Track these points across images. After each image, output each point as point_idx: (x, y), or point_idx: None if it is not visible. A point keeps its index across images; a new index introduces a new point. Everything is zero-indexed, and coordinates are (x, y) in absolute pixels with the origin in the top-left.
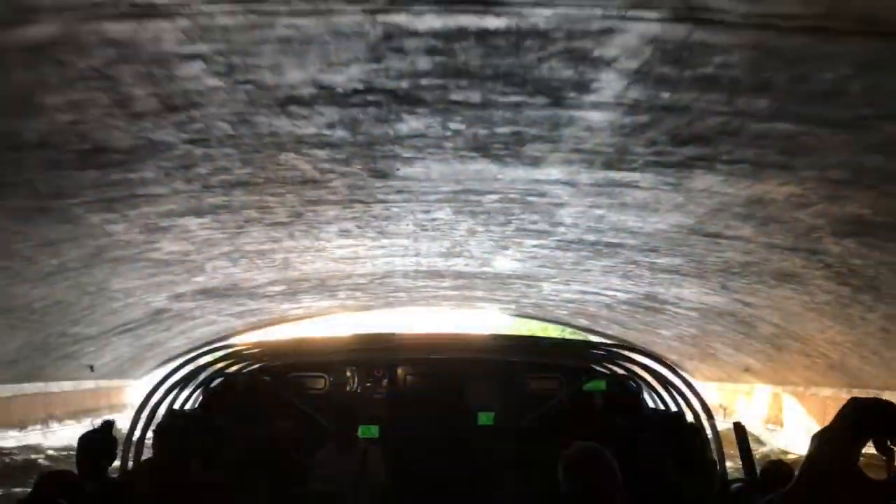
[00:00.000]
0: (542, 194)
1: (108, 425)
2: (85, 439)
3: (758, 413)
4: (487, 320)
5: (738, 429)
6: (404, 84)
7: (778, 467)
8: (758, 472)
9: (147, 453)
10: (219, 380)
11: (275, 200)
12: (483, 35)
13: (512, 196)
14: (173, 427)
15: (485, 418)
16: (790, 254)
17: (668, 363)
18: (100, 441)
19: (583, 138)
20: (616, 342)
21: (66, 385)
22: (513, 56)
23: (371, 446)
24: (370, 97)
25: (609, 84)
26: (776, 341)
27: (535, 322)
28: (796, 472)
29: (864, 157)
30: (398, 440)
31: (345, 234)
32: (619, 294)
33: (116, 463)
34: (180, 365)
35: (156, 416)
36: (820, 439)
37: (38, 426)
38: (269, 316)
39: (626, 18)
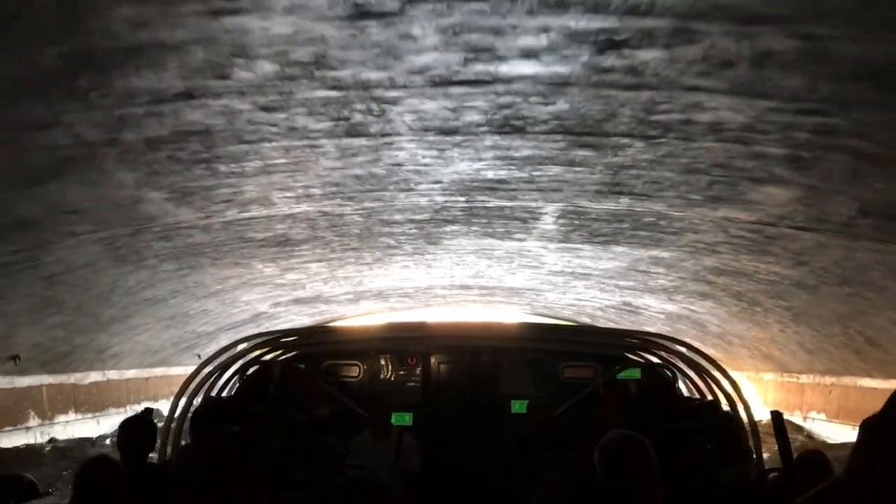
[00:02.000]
0: (529, 251)
1: (148, 412)
2: (126, 425)
3: None
4: (510, 315)
5: (776, 417)
6: (448, 217)
7: (815, 457)
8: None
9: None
10: (255, 367)
11: (368, 255)
12: (488, 207)
13: (511, 252)
14: (209, 414)
15: (518, 406)
16: (697, 282)
17: (703, 352)
18: (141, 427)
19: (543, 233)
20: (650, 331)
21: (180, 370)
22: (499, 212)
23: (405, 433)
24: (432, 221)
25: (547, 220)
26: (724, 338)
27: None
28: (841, 463)
29: (694, 245)
30: (432, 428)
31: (405, 267)
32: (604, 301)
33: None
34: (219, 352)
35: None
36: (868, 429)
37: (164, 400)
38: (332, 315)
39: (546, 205)
